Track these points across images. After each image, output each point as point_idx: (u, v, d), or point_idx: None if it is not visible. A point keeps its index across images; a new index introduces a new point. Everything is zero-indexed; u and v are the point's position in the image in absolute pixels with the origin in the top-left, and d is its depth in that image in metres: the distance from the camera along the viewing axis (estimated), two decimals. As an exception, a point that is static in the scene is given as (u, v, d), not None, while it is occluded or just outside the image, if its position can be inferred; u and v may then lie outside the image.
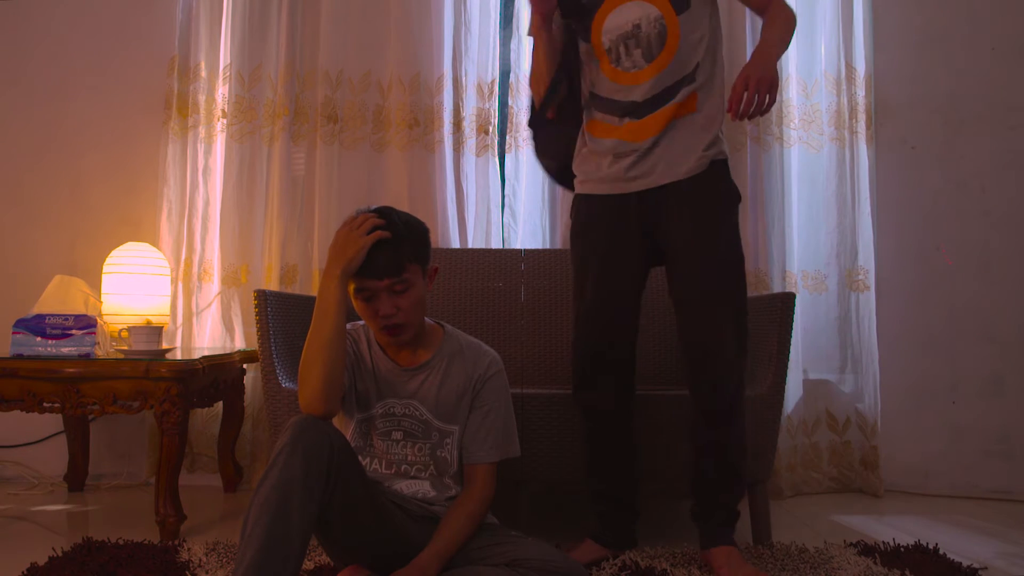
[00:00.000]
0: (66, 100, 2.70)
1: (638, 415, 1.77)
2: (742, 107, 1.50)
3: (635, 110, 1.66)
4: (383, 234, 1.39)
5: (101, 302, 2.37)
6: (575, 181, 1.81)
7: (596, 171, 1.73)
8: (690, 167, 1.65)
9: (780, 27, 1.64)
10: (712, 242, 1.64)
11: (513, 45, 2.62)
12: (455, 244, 2.56)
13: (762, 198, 2.52)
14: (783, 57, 2.52)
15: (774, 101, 1.53)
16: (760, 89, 1.50)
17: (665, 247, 1.68)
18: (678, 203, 1.65)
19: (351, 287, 1.42)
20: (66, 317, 2.01)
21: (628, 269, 1.71)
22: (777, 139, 2.54)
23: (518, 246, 2.59)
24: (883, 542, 1.86)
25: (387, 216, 1.43)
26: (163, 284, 2.46)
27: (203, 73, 2.60)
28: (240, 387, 2.46)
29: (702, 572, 1.65)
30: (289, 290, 2.51)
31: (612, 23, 1.64)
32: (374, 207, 1.47)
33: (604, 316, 1.71)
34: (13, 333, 1.99)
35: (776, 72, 1.54)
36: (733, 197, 1.71)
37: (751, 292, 2.46)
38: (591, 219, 1.74)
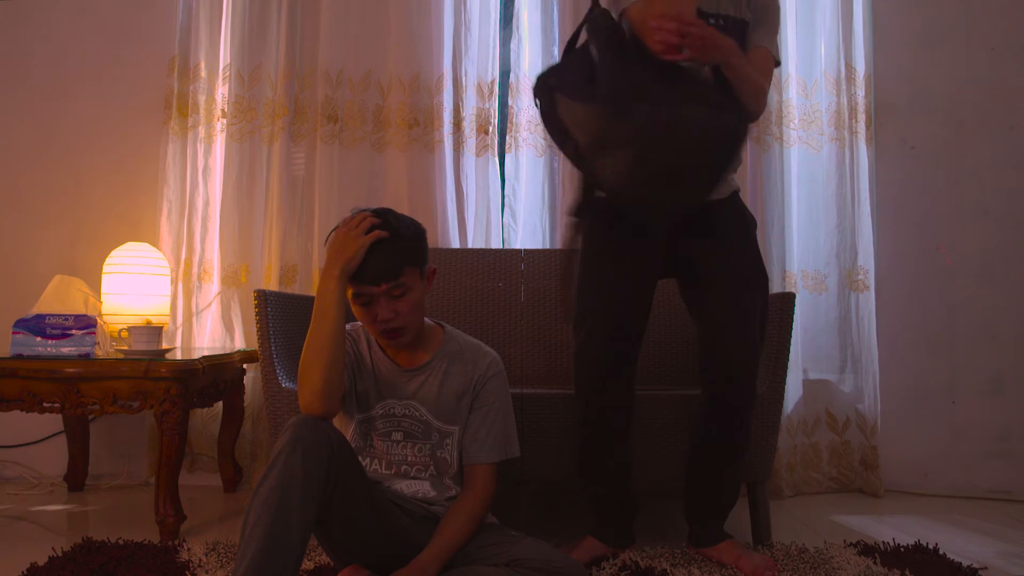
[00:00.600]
0: (66, 100, 2.70)
1: (638, 415, 1.78)
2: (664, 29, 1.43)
3: None
4: (382, 233, 1.39)
5: (101, 302, 2.37)
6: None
7: None
8: (718, 191, 1.70)
9: (758, 86, 1.64)
10: (746, 260, 1.71)
11: (513, 45, 2.62)
12: (455, 244, 2.56)
13: (762, 198, 2.52)
14: (784, 57, 2.55)
15: (696, 52, 1.47)
16: (689, 32, 1.43)
17: (692, 262, 1.71)
18: (708, 222, 1.69)
19: (349, 292, 1.42)
20: (66, 317, 2.01)
21: (648, 278, 1.73)
22: (777, 139, 2.54)
23: (518, 246, 2.59)
24: (883, 542, 1.87)
25: (383, 217, 1.43)
26: (163, 284, 2.46)
27: (203, 73, 2.60)
28: (240, 387, 2.46)
29: (702, 572, 1.65)
30: (289, 290, 2.51)
31: None
32: (371, 208, 1.46)
33: (619, 324, 1.70)
34: (13, 333, 1.99)
35: (722, 50, 1.51)
36: (753, 221, 1.79)
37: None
38: (612, 225, 1.72)
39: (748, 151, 2.52)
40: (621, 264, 1.70)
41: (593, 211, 1.74)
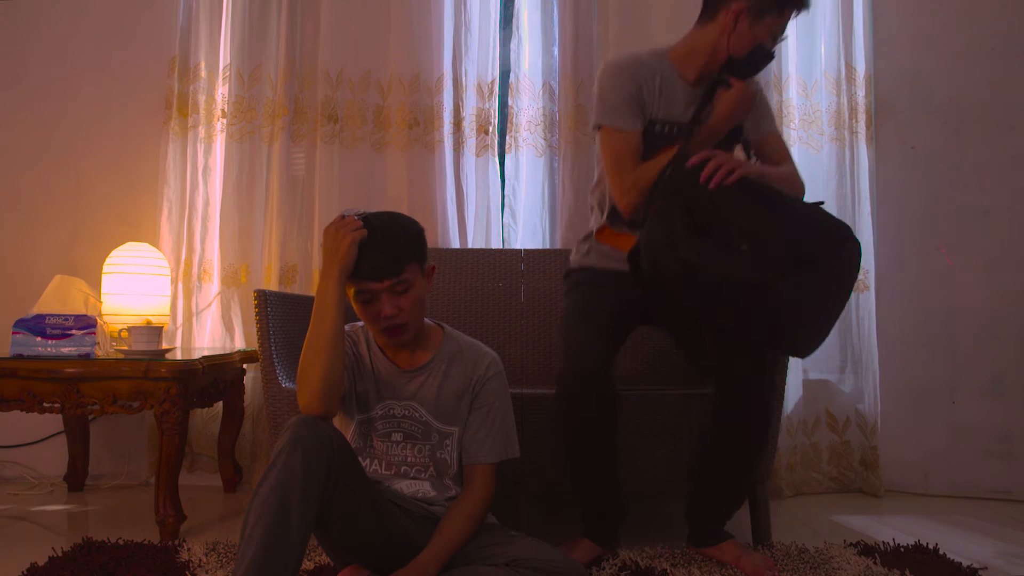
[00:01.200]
0: (66, 100, 2.70)
1: (635, 416, 1.79)
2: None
3: None
4: (365, 231, 1.39)
5: (101, 302, 2.37)
6: (573, 257, 1.93)
7: (604, 261, 1.84)
8: None
9: (786, 178, 1.75)
10: None
11: (513, 45, 2.62)
12: (455, 244, 2.56)
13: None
14: (784, 57, 2.56)
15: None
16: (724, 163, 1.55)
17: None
18: None
19: (350, 291, 1.42)
20: (66, 317, 2.01)
21: (629, 324, 1.78)
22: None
23: (518, 246, 2.59)
24: (883, 542, 1.87)
25: (379, 218, 1.43)
26: (163, 284, 2.46)
27: (203, 73, 2.60)
28: (240, 387, 2.46)
29: (702, 572, 1.65)
30: (289, 290, 2.51)
31: None
32: (366, 212, 1.46)
33: (604, 331, 1.70)
34: (13, 333, 1.99)
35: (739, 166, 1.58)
36: None
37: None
38: (599, 279, 1.82)
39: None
40: (607, 291, 1.76)
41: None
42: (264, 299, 1.88)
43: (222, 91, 2.60)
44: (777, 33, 1.74)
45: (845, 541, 1.91)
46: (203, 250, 2.57)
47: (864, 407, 2.51)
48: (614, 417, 1.70)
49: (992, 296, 2.55)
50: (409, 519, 1.45)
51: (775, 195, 1.56)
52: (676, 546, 1.81)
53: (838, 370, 2.56)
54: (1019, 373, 2.52)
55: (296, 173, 2.60)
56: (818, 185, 2.57)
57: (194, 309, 2.56)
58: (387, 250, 1.40)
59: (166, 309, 2.48)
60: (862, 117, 2.54)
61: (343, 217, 1.42)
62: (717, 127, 1.71)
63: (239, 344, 2.55)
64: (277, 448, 1.24)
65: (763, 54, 1.74)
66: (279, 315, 1.91)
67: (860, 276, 2.51)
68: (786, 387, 1.97)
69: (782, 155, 1.84)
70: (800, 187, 1.79)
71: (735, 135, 1.78)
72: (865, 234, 2.52)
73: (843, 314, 2.50)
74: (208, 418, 2.55)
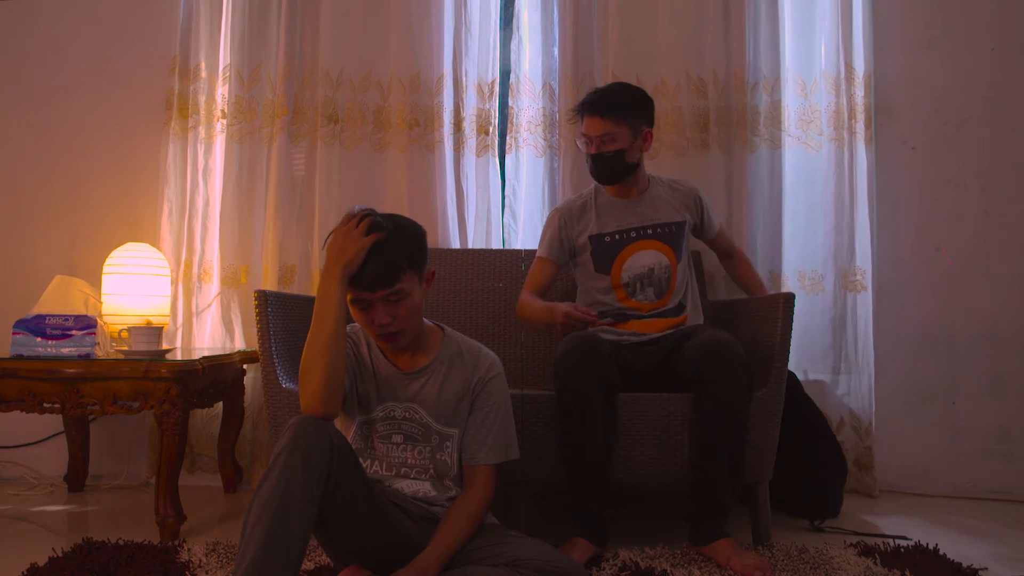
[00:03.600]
0: (66, 100, 2.70)
1: (633, 416, 1.81)
2: None
3: (640, 318, 2.02)
4: (380, 235, 1.39)
5: (101, 302, 2.37)
6: None
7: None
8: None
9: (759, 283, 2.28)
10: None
11: (513, 45, 2.62)
12: (455, 244, 2.56)
13: (761, 198, 2.52)
14: (782, 58, 2.56)
15: None
16: None
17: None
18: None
19: (348, 296, 1.42)
20: (66, 317, 2.01)
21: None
22: (776, 140, 2.53)
23: (518, 246, 2.59)
24: (883, 542, 1.86)
25: (383, 219, 1.43)
26: (163, 284, 2.46)
27: (203, 73, 2.60)
28: (240, 387, 2.46)
29: (702, 572, 1.65)
30: (288, 290, 2.50)
31: (631, 264, 2.04)
32: (367, 208, 1.44)
33: (602, 345, 1.81)
34: (13, 334, 1.99)
35: None
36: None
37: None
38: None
39: (748, 151, 2.51)
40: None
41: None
42: (264, 299, 1.88)
43: (222, 91, 2.59)
44: (588, 138, 2.01)
45: (845, 541, 1.91)
46: (203, 250, 2.57)
47: (859, 408, 2.50)
48: (612, 394, 1.76)
49: (992, 296, 2.55)
50: (409, 519, 1.45)
51: None
52: (676, 546, 1.81)
53: (832, 371, 2.55)
54: (1019, 373, 2.51)
55: (296, 173, 2.60)
56: (817, 186, 2.57)
57: (194, 309, 2.56)
58: (383, 260, 1.39)
59: (166, 309, 2.48)
60: (861, 117, 2.53)
61: (351, 216, 1.41)
62: None
63: (239, 344, 2.55)
64: (278, 448, 1.24)
65: (590, 157, 2.03)
66: (279, 315, 1.91)
67: (857, 276, 2.50)
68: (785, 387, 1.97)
69: (731, 243, 2.29)
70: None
71: (680, 232, 2.10)
72: (864, 234, 2.51)
73: (839, 314, 2.53)
74: (208, 418, 2.55)
